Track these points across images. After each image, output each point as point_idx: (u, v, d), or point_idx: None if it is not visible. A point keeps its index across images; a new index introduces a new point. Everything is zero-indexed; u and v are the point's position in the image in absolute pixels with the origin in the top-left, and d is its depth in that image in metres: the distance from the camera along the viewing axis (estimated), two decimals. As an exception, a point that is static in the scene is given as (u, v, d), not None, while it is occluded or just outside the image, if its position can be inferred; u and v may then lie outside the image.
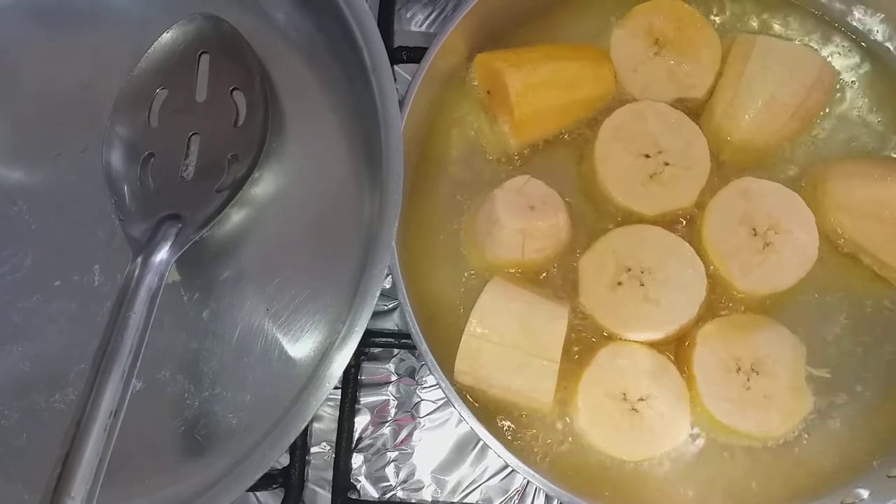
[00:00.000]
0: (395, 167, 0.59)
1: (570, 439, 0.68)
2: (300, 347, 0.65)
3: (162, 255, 0.60)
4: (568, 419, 0.68)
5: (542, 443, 0.68)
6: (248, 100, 0.66)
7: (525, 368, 0.64)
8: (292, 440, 0.57)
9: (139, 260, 0.59)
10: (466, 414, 0.62)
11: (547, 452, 0.68)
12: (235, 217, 0.67)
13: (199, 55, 0.67)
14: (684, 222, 0.71)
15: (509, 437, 0.68)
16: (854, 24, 0.78)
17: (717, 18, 0.78)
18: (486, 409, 0.68)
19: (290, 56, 0.70)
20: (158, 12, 0.70)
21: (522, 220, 0.67)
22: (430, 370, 0.63)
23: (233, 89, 0.66)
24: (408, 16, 0.91)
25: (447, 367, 0.65)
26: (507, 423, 0.69)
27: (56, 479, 0.50)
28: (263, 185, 0.68)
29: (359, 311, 0.57)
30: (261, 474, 0.57)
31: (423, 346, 0.63)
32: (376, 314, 0.82)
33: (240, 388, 0.64)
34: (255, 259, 0.67)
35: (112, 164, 0.65)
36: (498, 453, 0.61)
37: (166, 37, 0.67)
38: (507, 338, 0.64)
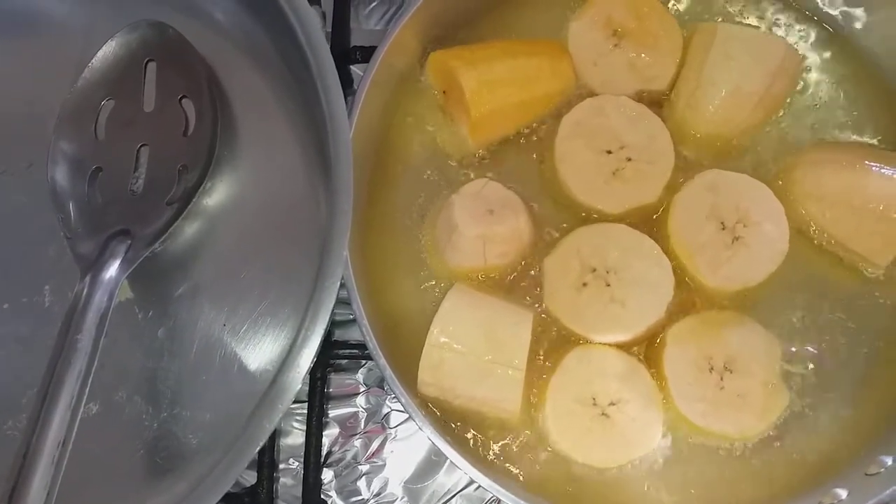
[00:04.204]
0: (343, 175, 0.57)
1: (540, 448, 0.66)
2: (260, 363, 0.63)
3: (111, 272, 0.58)
4: (537, 427, 0.66)
5: (511, 453, 0.66)
6: (197, 108, 0.64)
7: (490, 377, 0.62)
8: (249, 460, 0.55)
9: (87, 279, 0.57)
10: (429, 429, 0.60)
11: (516, 463, 0.66)
12: (188, 230, 0.65)
13: (146, 63, 0.65)
14: (650, 219, 0.70)
15: (477, 450, 0.66)
16: (817, 6, 0.76)
17: (677, 7, 0.76)
18: (453, 420, 0.67)
19: (239, 61, 0.68)
20: (101, 21, 0.68)
21: (482, 226, 0.66)
22: (389, 384, 0.61)
23: (181, 97, 0.64)
24: (365, 13, 0.89)
25: (411, 379, 0.63)
26: (475, 435, 0.67)
27: (3, 514, 0.48)
28: (216, 196, 0.66)
29: (312, 326, 0.55)
30: (220, 496, 0.54)
31: (382, 361, 0.61)
32: (342, 324, 0.80)
33: (199, 408, 0.62)
34: (210, 273, 0.65)
35: (57, 180, 0.63)
36: (463, 468, 0.60)
37: (110, 45, 0.65)
38: (470, 346, 0.63)
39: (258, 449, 0.54)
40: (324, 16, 0.84)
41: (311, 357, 0.55)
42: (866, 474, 0.63)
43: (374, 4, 0.89)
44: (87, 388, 0.53)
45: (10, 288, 0.65)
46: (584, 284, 0.65)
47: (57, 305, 0.64)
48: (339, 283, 0.56)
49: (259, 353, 0.63)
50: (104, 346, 0.55)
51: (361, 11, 0.89)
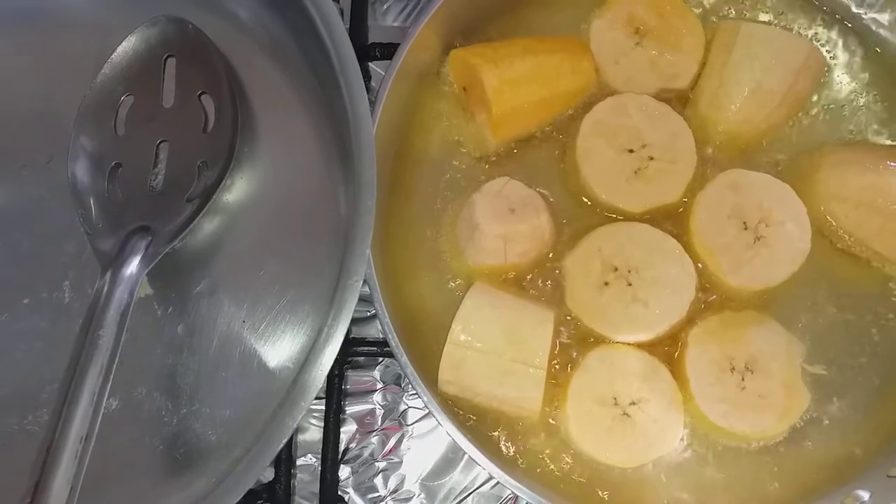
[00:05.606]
0: (367, 173, 0.57)
1: (560, 447, 0.66)
2: (279, 359, 0.63)
3: (132, 269, 0.58)
4: (558, 427, 0.66)
5: (531, 452, 0.66)
6: (216, 104, 0.64)
7: (511, 376, 0.62)
8: (271, 459, 0.55)
9: (108, 275, 0.57)
10: (449, 426, 0.60)
11: (537, 462, 0.66)
12: (208, 226, 0.65)
13: (165, 59, 0.65)
14: (672, 218, 0.69)
15: (497, 448, 0.66)
16: (841, 5, 0.75)
17: (699, 5, 0.76)
18: (473, 418, 0.67)
19: (259, 57, 0.68)
20: (120, 16, 0.67)
21: (503, 225, 0.65)
22: (411, 382, 0.61)
23: (201, 93, 0.64)
24: (383, 9, 0.89)
25: (430, 377, 0.63)
26: (495, 433, 0.67)
27: (26, 510, 0.48)
28: (235, 192, 0.66)
29: (335, 325, 0.55)
30: (241, 494, 0.55)
31: (404, 359, 0.61)
32: (359, 321, 0.80)
33: (218, 404, 0.62)
34: (229, 270, 0.65)
35: (77, 176, 0.63)
36: (483, 466, 0.59)
37: (130, 41, 0.65)
38: (492, 345, 0.63)
39: (281, 447, 0.55)
40: (341, 13, 0.84)
41: (334, 355, 0.55)
42: (888, 476, 0.62)
43: (391, 2, 0.89)
44: (109, 384, 0.53)
45: (30, 283, 0.65)
46: (606, 284, 0.65)
47: (77, 301, 0.64)
48: (361, 281, 0.56)
49: (278, 349, 0.63)
50: (123, 341, 0.55)
51: (378, 9, 0.89)
